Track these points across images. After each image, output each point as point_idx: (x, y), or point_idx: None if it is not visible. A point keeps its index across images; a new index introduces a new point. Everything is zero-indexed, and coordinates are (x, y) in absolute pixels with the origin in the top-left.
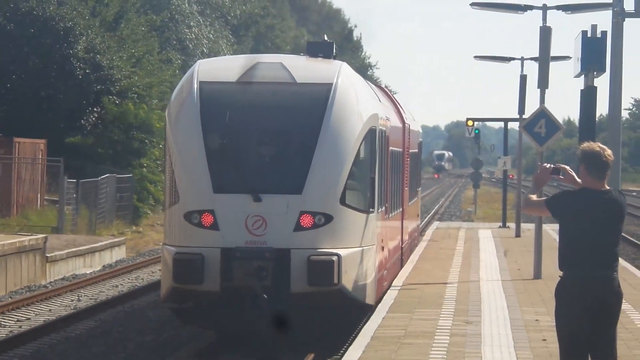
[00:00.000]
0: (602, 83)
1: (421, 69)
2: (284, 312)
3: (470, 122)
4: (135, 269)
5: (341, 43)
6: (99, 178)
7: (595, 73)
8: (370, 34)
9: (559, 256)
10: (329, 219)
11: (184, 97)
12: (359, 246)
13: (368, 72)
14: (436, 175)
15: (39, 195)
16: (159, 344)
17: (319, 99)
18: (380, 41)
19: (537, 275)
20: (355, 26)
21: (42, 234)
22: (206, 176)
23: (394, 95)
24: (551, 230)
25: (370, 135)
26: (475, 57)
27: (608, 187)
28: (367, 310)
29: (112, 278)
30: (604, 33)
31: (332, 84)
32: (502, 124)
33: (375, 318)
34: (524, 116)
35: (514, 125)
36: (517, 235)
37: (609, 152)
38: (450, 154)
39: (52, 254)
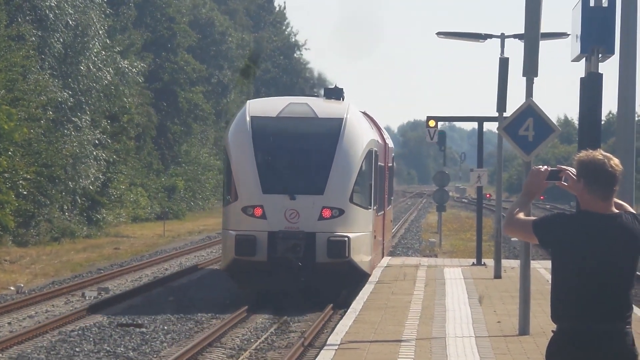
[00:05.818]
0: (610, 69)
1: (370, 51)
2: (311, 275)
3: (432, 122)
4: None
5: (258, 13)
6: None
7: (600, 55)
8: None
9: (551, 304)
10: (341, 212)
11: (239, 127)
12: (362, 232)
13: (295, 55)
14: None
15: None
16: None
17: (334, 128)
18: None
19: (524, 330)
20: None
21: None
22: (257, 182)
23: (369, 113)
24: (543, 269)
25: (369, 154)
26: (439, 34)
27: (618, 210)
28: (366, 278)
29: None
30: (612, 2)
31: (343, 118)
32: (475, 124)
33: None
34: (504, 114)
35: (491, 127)
36: (497, 275)
37: (615, 161)
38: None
39: None
